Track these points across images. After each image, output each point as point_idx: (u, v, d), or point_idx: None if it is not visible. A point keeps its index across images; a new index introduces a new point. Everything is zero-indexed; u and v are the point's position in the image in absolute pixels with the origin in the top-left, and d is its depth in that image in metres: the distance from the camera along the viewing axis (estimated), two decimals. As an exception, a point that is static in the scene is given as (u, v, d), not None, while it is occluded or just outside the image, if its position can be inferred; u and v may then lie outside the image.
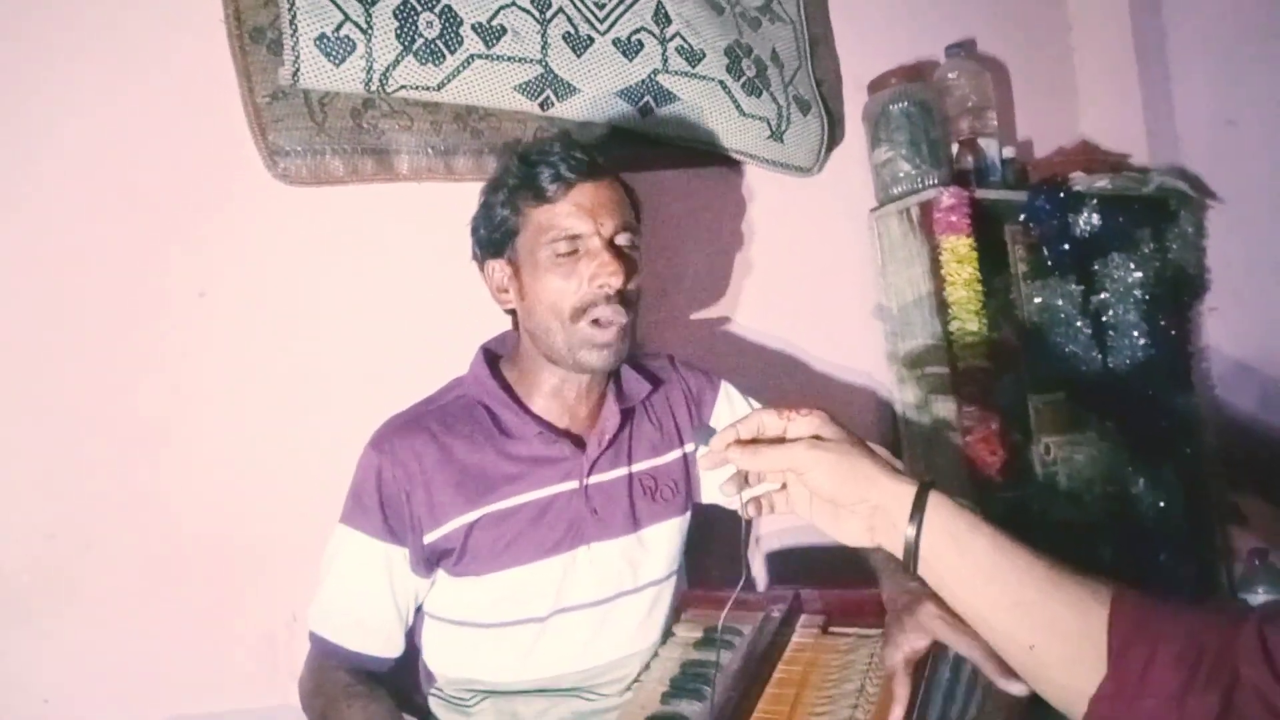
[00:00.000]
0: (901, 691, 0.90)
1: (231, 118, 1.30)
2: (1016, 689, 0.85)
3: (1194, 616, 0.65)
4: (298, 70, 1.27)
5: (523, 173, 1.11)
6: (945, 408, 1.68)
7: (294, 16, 1.25)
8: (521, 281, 1.13)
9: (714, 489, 1.27)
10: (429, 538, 1.09)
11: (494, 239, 1.15)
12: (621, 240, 1.11)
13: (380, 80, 1.32)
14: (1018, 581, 0.69)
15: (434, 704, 1.20)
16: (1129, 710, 0.62)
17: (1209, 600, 1.68)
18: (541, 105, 1.45)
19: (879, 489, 0.74)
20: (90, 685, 1.19)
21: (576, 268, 1.08)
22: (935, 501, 0.73)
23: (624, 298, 1.09)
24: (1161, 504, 1.82)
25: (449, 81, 1.37)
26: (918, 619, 0.93)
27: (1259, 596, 1.62)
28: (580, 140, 1.17)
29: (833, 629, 1.12)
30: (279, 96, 1.31)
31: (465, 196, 1.23)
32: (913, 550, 0.72)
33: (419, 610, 1.16)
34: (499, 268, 1.16)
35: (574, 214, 1.08)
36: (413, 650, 1.18)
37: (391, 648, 1.11)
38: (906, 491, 0.73)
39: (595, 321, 1.08)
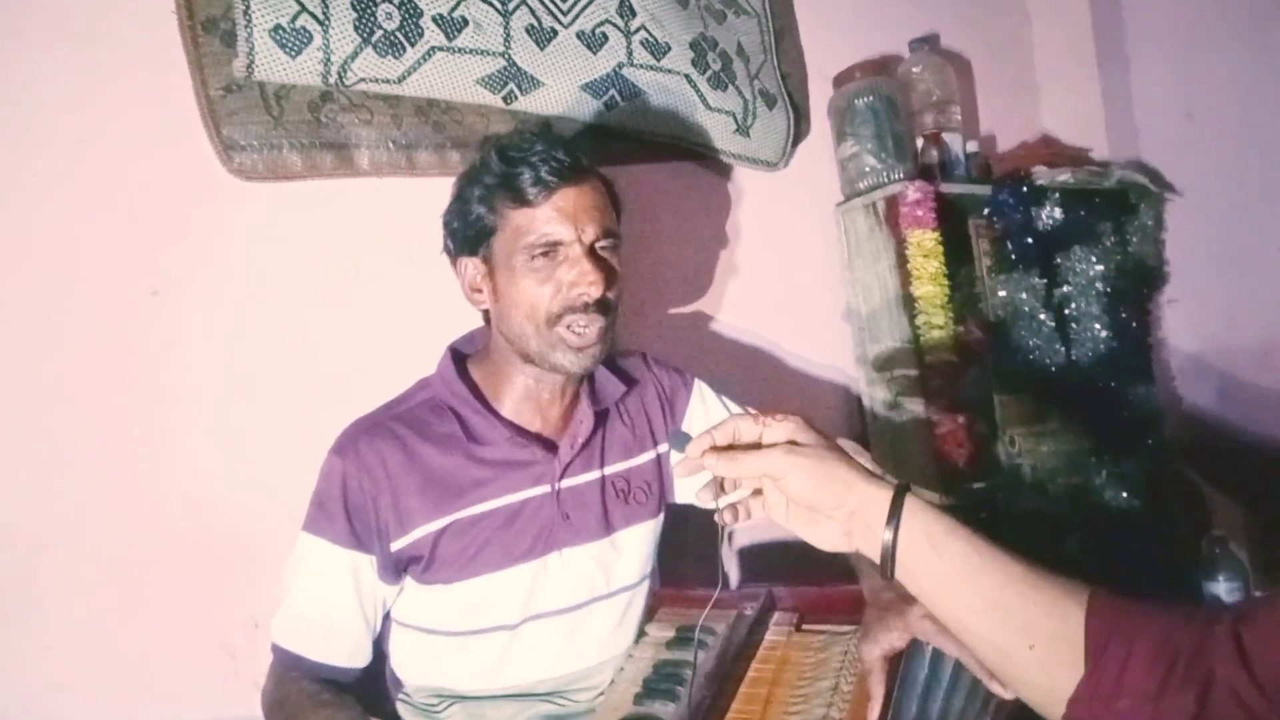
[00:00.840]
0: (878, 689, 0.90)
1: (185, 111, 1.26)
2: (1006, 691, 0.85)
3: (1170, 616, 0.65)
4: (252, 63, 1.23)
5: (502, 172, 1.06)
6: (914, 404, 1.68)
7: (248, 7, 1.20)
8: (496, 282, 1.10)
9: (689, 488, 1.26)
10: (396, 545, 1.06)
11: (468, 236, 1.11)
12: (603, 246, 1.09)
13: (339, 73, 1.28)
14: (994, 584, 0.68)
15: (401, 709, 1.18)
16: (1105, 711, 0.63)
17: (1180, 596, 1.71)
18: (505, 99, 1.42)
19: (856, 493, 0.74)
20: (42, 695, 1.15)
21: (555, 273, 1.05)
22: (912, 505, 0.72)
23: (603, 304, 1.07)
24: (1124, 494, 1.85)
25: (410, 74, 1.34)
26: (906, 620, 0.93)
27: (1219, 584, 1.64)
28: (562, 136, 1.14)
29: (806, 626, 1.12)
30: (233, 89, 1.27)
31: (428, 192, 1.21)
32: (890, 554, 0.72)
33: (386, 617, 1.13)
34: (473, 265, 1.12)
35: (555, 219, 1.05)
36: (380, 657, 1.16)
37: (359, 657, 1.09)
38: (883, 495, 0.73)
39: (571, 329, 1.06)
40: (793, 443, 0.76)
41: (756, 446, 0.78)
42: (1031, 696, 0.69)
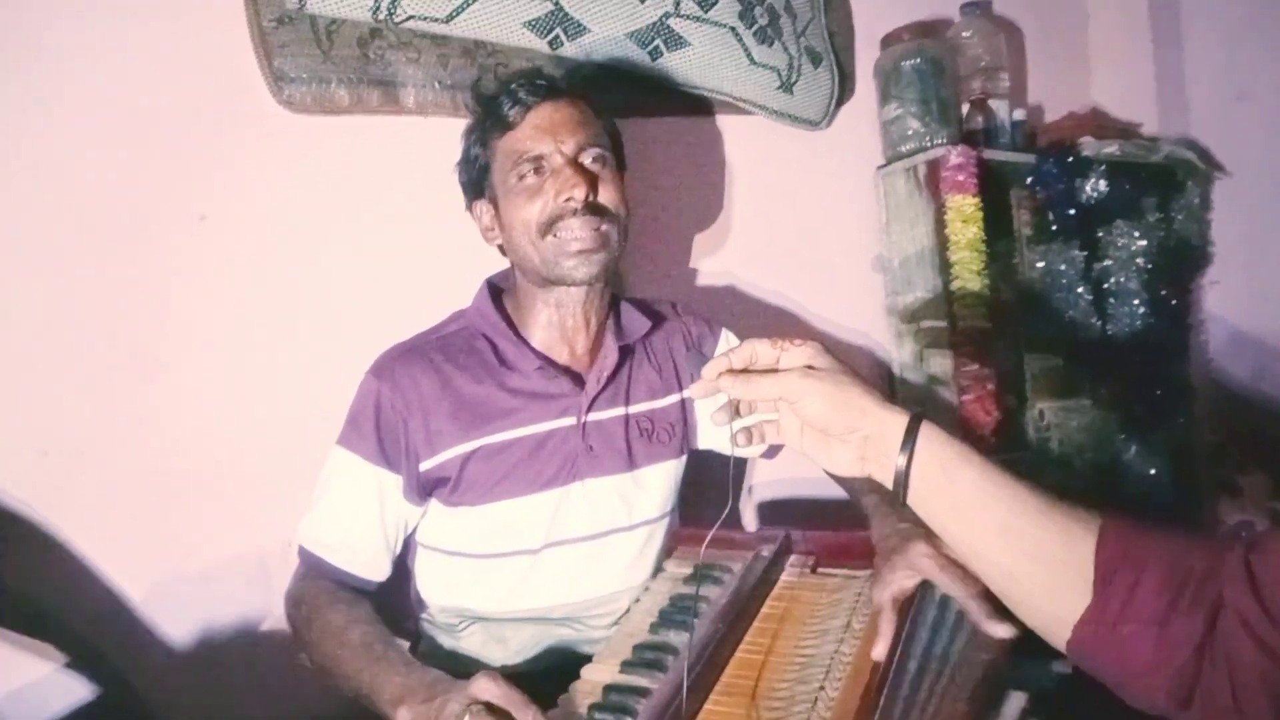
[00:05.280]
0: (887, 628, 0.91)
1: (237, 41, 1.28)
2: (1001, 631, 0.86)
3: (1180, 544, 0.65)
4: (305, -6, 1.25)
5: (484, 104, 1.14)
6: (942, 366, 1.68)
7: (303, -62, 1.23)
8: (500, 214, 1.14)
9: (711, 435, 1.28)
10: (425, 466, 1.09)
11: (473, 179, 1.17)
12: (589, 157, 1.11)
13: (389, 9, 1.31)
14: (1006, 510, 0.69)
15: (426, 628, 1.22)
16: (1111, 634, 0.63)
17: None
18: (550, 43, 1.44)
19: (871, 418, 0.74)
20: (78, 600, 1.20)
21: (543, 187, 1.09)
22: (927, 432, 0.73)
23: (597, 209, 1.09)
24: (1151, 472, 1.84)
25: (458, 14, 1.35)
26: (908, 558, 0.94)
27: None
28: (543, 70, 1.19)
29: (821, 569, 1.13)
30: (285, 21, 1.29)
31: (471, 133, 1.22)
32: (903, 479, 0.73)
33: (411, 539, 1.17)
34: (483, 209, 1.18)
35: (534, 135, 1.09)
36: (404, 577, 1.19)
37: (376, 572, 1.12)
38: (899, 421, 0.73)
39: (562, 235, 1.09)
40: (810, 367, 0.76)
41: (773, 371, 0.77)
42: (1039, 621, 0.70)
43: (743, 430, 0.81)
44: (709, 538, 0.90)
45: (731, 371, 0.79)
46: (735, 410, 0.81)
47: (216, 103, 1.29)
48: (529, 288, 1.16)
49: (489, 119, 1.13)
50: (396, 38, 1.37)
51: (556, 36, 1.43)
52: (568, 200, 1.08)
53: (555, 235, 1.09)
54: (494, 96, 1.12)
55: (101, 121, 1.23)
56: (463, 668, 0.93)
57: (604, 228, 1.10)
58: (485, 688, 0.81)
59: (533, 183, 1.10)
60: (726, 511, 0.88)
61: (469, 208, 1.21)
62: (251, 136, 1.31)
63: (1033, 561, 0.68)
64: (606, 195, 1.11)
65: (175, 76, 1.27)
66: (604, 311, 1.19)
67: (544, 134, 1.09)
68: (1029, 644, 0.78)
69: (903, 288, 1.76)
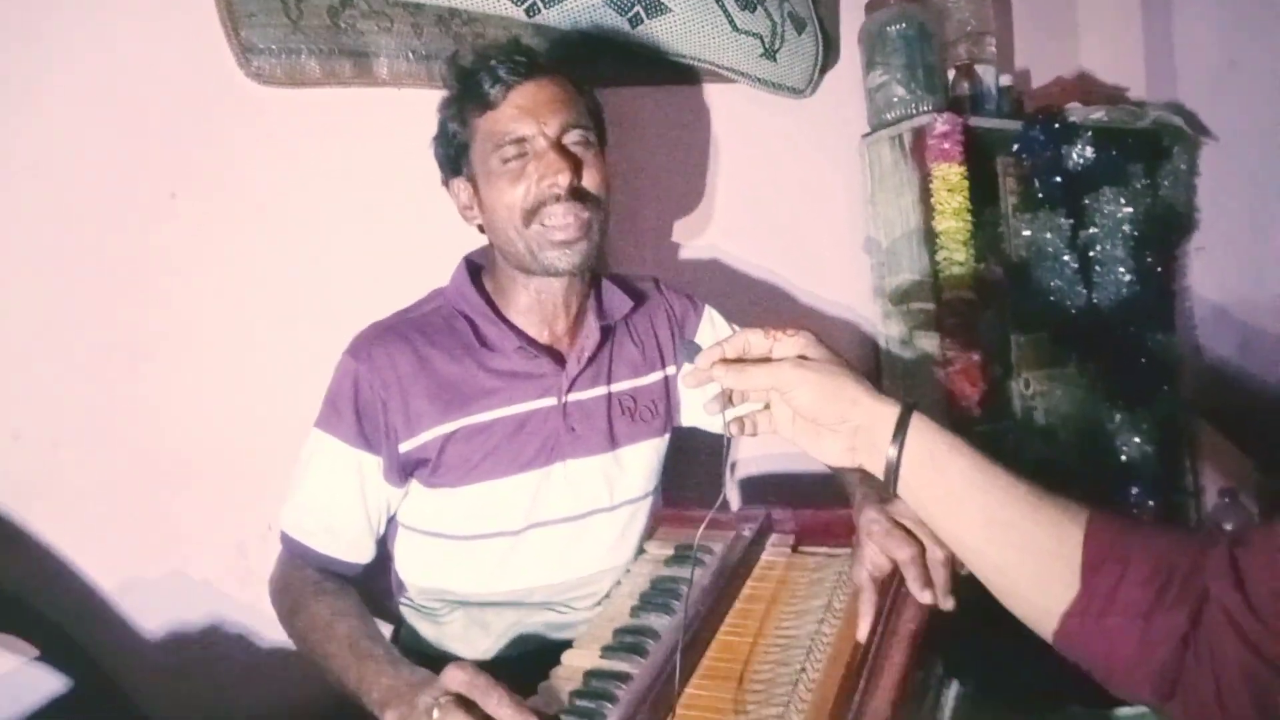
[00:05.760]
0: (867, 607, 0.91)
1: (203, 13, 1.24)
2: (927, 598, 0.87)
3: (1168, 538, 0.65)
4: (270, -39, 1.21)
5: (462, 80, 1.10)
6: (928, 340, 1.67)
7: (268, -97, 1.19)
8: (480, 195, 1.11)
9: (694, 412, 1.27)
10: (404, 447, 1.08)
11: (450, 156, 1.14)
12: (572, 138, 1.08)
13: (359, -24, 1.27)
14: (995, 501, 0.69)
15: (405, 612, 1.21)
16: (1096, 626, 0.63)
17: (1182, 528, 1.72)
18: (527, 11, 1.40)
19: (862, 409, 0.74)
20: (59, 587, 1.18)
21: (525, 170, 1.06)
22: (917, 423, 0.73)
23: (580, 194, 1.07)
24: (1136, 441, 1.84)
25: (432, -20, 1.32)
26: (860, 526, 0.94)
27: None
28: (524, 43, 1.14)
29: (802, 548, 1.13)
30: (252, -10, 1.26)
31: (447, 104, 1.19)
32: (894, 470, 0.73)
33: (392, 520, 1.15)
34: (461, 186, 1.15)
35: (516, 116, 1.06)
36: (385, 558, 1.18)
37: (359, 554, 1.11)
38: (889, 413, 0.74)
39: (546, 222, 1.06)
40: (802, 357, 0.77)
41: (766, 360, 0.78)
42: (1026, 612, 0.70)
43: (734, 420, 0.82)
44: (701, 529, 0.90)
45: (724, 361, 0.80)
46: (728, 399, 0.82)
47: (184, 77, 1.26)
48: (509, 270, 1.13)
49: (468, 96, 1.09)
50: (368, 6, 1.34)
51: (533, 4, 1.39)
52: (551, 186, 1.05)
53: (541, 224, 1.06)
54: (473, 72, 1.08)
55: (67, 100, 1.19)
56: (445, 654, 0.93)
57: (587, 214, 1.07)
58: (454, 677, 0.80)
59: (515, 166, 1.06)
60: (719, 501, 0.88)
61: (445, 184, 1.18)
62: (221, 111, 1.28)
63: (1020, 553, 0.68)
64: (590, 179, 1.09)
65: (141, 51, 1.24)
66: (585, 291, 1.18)
67: (526, 115, 1.06)
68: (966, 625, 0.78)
69: (890, 269, 1.74)
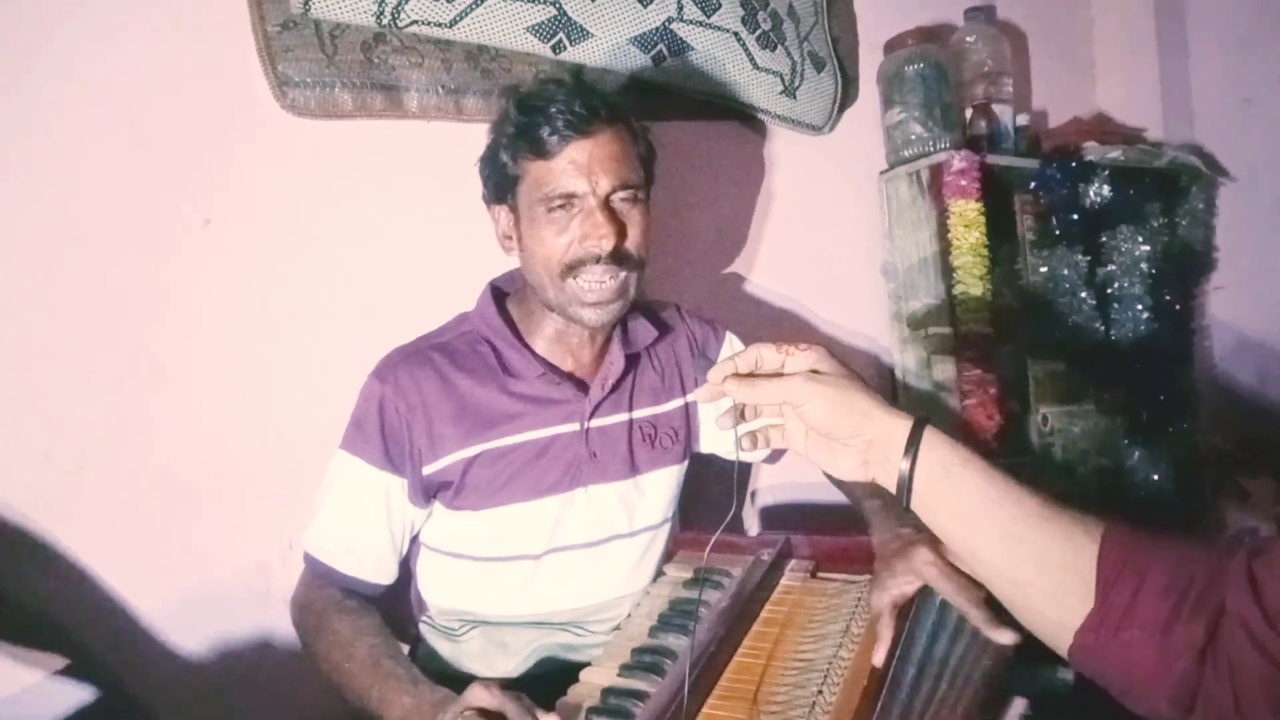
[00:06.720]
0: (886, 633, 0.91)
1: (241, 46, 1.29)
2: (1004, 637, 0.86)
3: (1183, 550, 0.65)
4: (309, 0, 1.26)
5: (520, 123, 1.06)
6: (945, 371, 1.68)
7: (308, -57, 1.23)
8: (520, 231, 1.11)
9: (714, 438, 1.28)
10: (428, 469, 1.09)
11: (498, 184, 1.12)
12: (620, 197, 1.07)
13: (392, 14, 1.31)
14: (1009, 515, 0.69)
15: (424, 631, 1.22)
16: (1113, 640, 0.63)
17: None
18: (554, 49, 1.44)
19: (875, 423, 0.74)
20: (83, 606, 1.19)
21: (570, 224, 1.06)
22: (930, 437, 0.73)
23: (620, 255, 1.06)
24: (1155, 478, 1.83)
25: (461, 19, 1.36)
26: (910, 564, 0.94)
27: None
28: (588, 84, 1.11)
29: (821, 574, 1.13)
30: (289, 26, 1.30)
31: (474, 136, 1.22)
32: (907, 484, 0.73)
33: (414, 539, 1.17)
34: (503, 214, 1.14)
35: (569, 172, 1.04)
36: (406, 579, 1.19)
37: (384, 575, 1.12)
38: (902, 426, 0.73)
39: (584, 281, 1.06)
40: (815, 371, 0.76)
41: (778, 375, 0.78)
42: (1041, 627, 0.69)
43: (747, 434, 0.82)
44: (712, 543, 0.90)
45: (737, 376, 0.79)
46: (740, 414, 0.81)
47: (220, 107, 1.29)
48: (538, 303, 1.14)
49: (523, 137, 1.06)
50: (400, 42, 1.37)
51: (560, 42, 1.43)
52: (594, 247, 1.05)
53: (576, 279, 1.06)
54: (534, 113, 1.05)
55: (105, 126, 1.23)
56: (463, 673, 0.94)
57: (624, 275, 1.07)
58: (478, 695, 0.81)
59: (560, 217, 1.06)
60: (730, 516, 0.87)
61: (488, 206, 1.17)
62: (255, 141, 1.31)
63: (1035, 567, 0.68)
64: (632, 240, 1.08)
65: (179, 81, 1.27)
66: (612, 324, 1.17)
67: (580, 171, 1.04)
68: (1031, 649, 0.78)
69: (907, 294, 1.76)
